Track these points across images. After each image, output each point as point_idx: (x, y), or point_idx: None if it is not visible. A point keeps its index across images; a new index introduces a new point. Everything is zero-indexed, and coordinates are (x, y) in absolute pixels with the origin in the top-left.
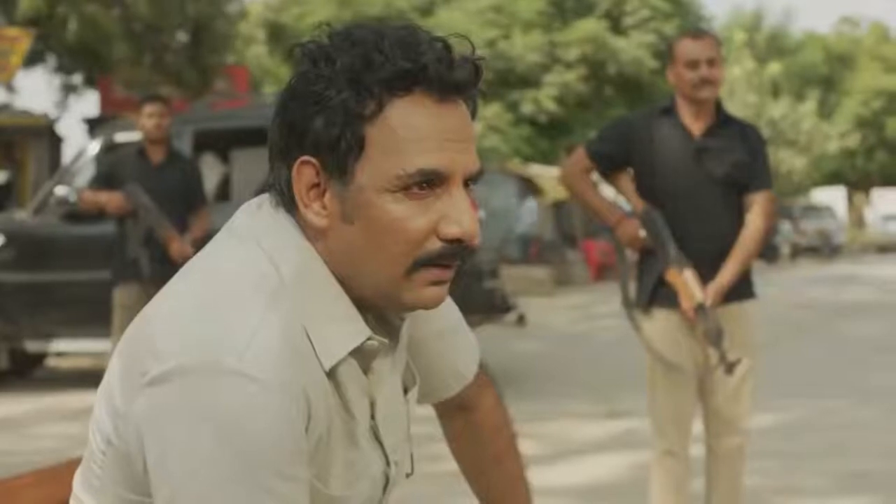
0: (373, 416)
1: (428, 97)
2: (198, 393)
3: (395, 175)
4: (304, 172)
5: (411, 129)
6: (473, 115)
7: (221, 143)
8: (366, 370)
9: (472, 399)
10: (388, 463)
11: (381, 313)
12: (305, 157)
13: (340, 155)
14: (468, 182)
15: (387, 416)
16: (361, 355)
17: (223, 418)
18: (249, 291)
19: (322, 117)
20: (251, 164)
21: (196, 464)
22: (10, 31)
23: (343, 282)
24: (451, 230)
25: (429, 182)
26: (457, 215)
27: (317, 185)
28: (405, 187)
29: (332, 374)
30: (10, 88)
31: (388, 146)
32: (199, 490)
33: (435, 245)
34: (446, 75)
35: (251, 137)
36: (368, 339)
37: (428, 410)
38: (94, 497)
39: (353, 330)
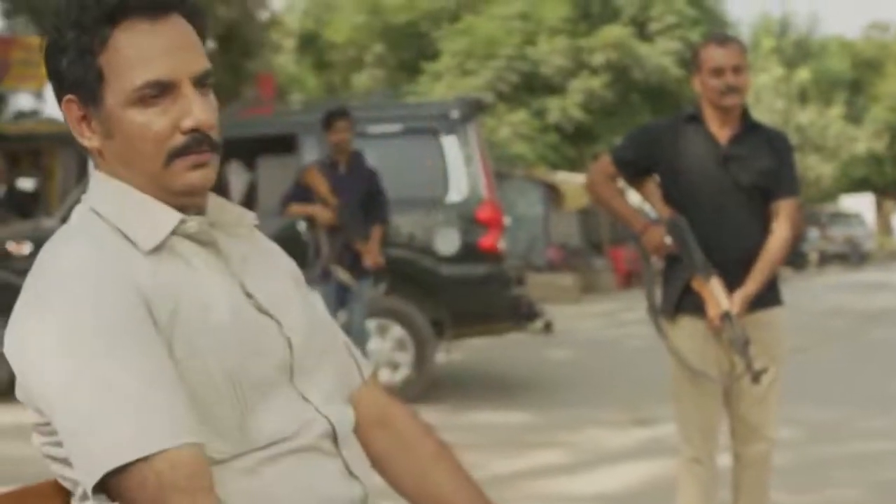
0: (248, 294)
1: (140, 21)
2: (31, 295)
3: (129, 90)
4: (71, 109)
5: (133, 51)
6: (198, 24)
7: (247, 150)
8: (210, 249)
9: (387, 412)
10: (280, 326)
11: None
12: (68, 96)
13: (88, 86)
14: (203, 83)
15: (270, 296)
16: (198, 237)
17: (54, 305)
18: (71, 230)
19: (65, 60)
20: (277, 171)
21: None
22: (39, 41)
23: (135, 188)
24: (187, 123)
25: (162, 90)
26: (189, 110)
27: (83, 115)
28: (141, 99)
29: (167, 255)
30: (38, 96)
31: (118, 70)
32: (46, 369)
33: (179, 139)
34: (146, 0)
35: (277, 145)
36: (182, 221)
37: (434, 419)
38: (59, 464)
39: (167, 218)
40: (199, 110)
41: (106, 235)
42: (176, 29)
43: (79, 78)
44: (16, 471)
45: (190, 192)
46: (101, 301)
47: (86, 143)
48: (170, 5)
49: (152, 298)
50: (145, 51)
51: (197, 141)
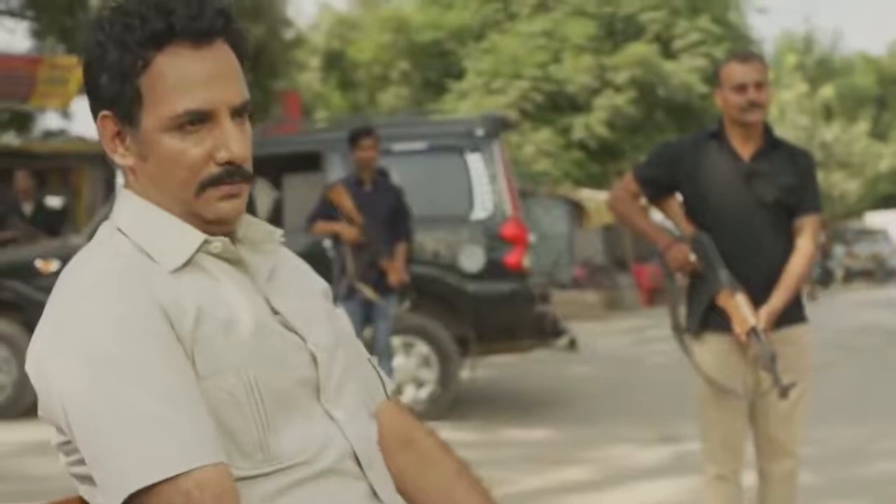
0: (275, 311)
1: (183, 47)
2: (53, 313)
3: (167, 117)
4: (106, 124)
5: (174, 77)
6: (241, 50)
7: (274, 168)
8: (238, 267)
9: (409, 431)
10: (305, 343)
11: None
12: (104, 112)
13: (125, 106)
14: (241, 113)
15: (296, 313)
16: (226, 257)
17: (75, 321)
18: (95, 248)
19: (105, 77)
20: (303, 188)
21: (56, 366)
22: (65, 60)
23: (163, 208)
24: (222, 155)
25: (200, 119)
26: (225, 143)
27: (118, 133)
28: (178, 126)
29: (191, 271)
30: (65, 115)
31: (158, 94)
32: (68, 388)
33: (213, 170)
34: (192, 26)
35: (303, 163)
36: (205, 241)
37: (460, 436)
38: (84, 483)
39: (191, 238)
40: (234, 143)
41: (129, 253)
42: (219, 56)
43: (117, 96)
44: (42, 488)
45: (220, 222)
46: (124, 318)
47: (118, 159)
48: (215, 32)
49: (175, 314)
50: (187, 78)
51: (230, 173)
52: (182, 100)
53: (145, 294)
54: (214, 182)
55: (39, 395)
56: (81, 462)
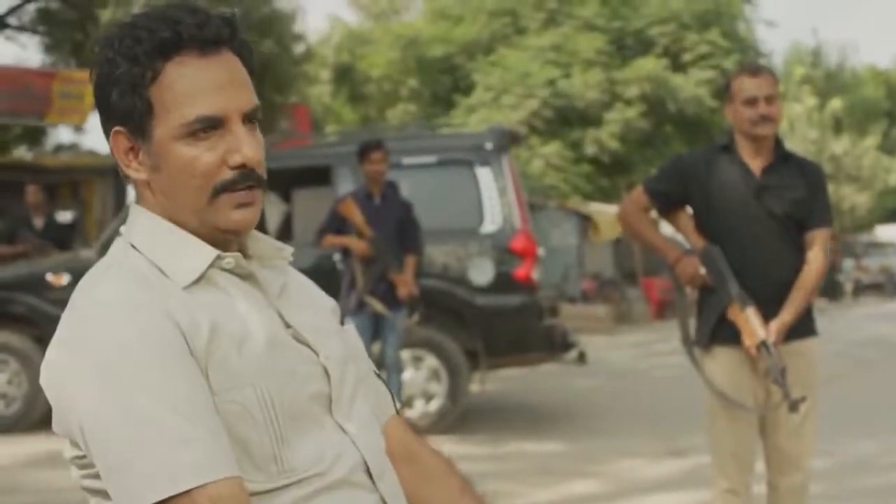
0: (287, 325)
1: (191, 56)
2: (68, 328)
3: (179, 125)
4: (119, 140)
5: (184, 85)
6: (248, 62)
7: (284, 182)
8: (250, 282)
9: (413, 447)
10: (318, 356)
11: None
12: (116, 128)
13: (137, 119)
14: (251, 119)
15: (308, 327)
16: (238, 272)
17: (91, 336)
18: (109, 264)
19: (115, 91)
20: (313, 202)
21: (67, 379)
22: (80, 74)
23: (177, 222)
24: (235, 159)
25: (212, 125)
26: (238, 147)
27: (131, 147)
28: (191, 133)
29: (204, 287)
30: (77, 129)
31: (169, 103)
32: (83, 401)
33: (227, 174)
34: (199, 34)
35: (313, 177)
36: (218, 257)
37: (469, 450)
38: (97, 497)
39: (204, 254)
40: (247, 147)
41: (143, 269)
42: (227, 64)
43: (128, 110)
44: (54, 500)
45: (233, 231)
46: (138, 333)
47: (132, 174)
48: (221, 41)
49: (189, 329)
50: (196, 85)
51: (244, 176)
52: (193, 107)
53: (160, 309)
54: (228, 187)
55: (54, 409)
56: (94, 476)
